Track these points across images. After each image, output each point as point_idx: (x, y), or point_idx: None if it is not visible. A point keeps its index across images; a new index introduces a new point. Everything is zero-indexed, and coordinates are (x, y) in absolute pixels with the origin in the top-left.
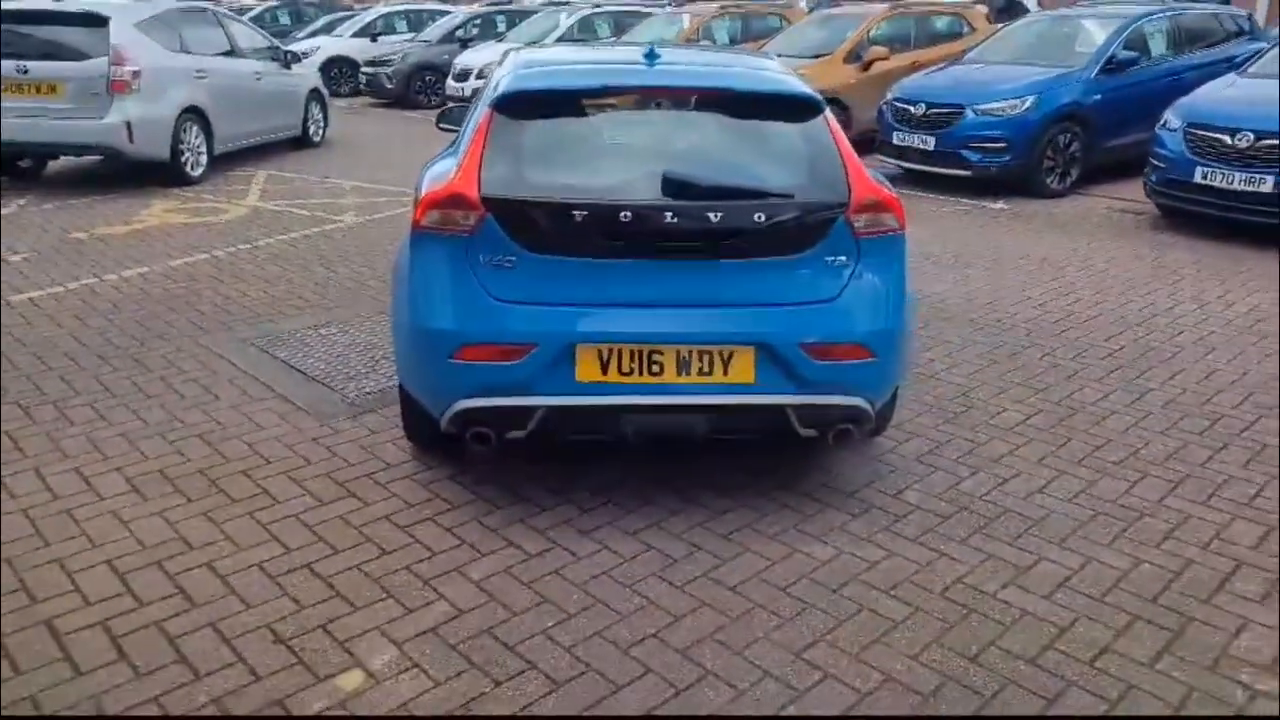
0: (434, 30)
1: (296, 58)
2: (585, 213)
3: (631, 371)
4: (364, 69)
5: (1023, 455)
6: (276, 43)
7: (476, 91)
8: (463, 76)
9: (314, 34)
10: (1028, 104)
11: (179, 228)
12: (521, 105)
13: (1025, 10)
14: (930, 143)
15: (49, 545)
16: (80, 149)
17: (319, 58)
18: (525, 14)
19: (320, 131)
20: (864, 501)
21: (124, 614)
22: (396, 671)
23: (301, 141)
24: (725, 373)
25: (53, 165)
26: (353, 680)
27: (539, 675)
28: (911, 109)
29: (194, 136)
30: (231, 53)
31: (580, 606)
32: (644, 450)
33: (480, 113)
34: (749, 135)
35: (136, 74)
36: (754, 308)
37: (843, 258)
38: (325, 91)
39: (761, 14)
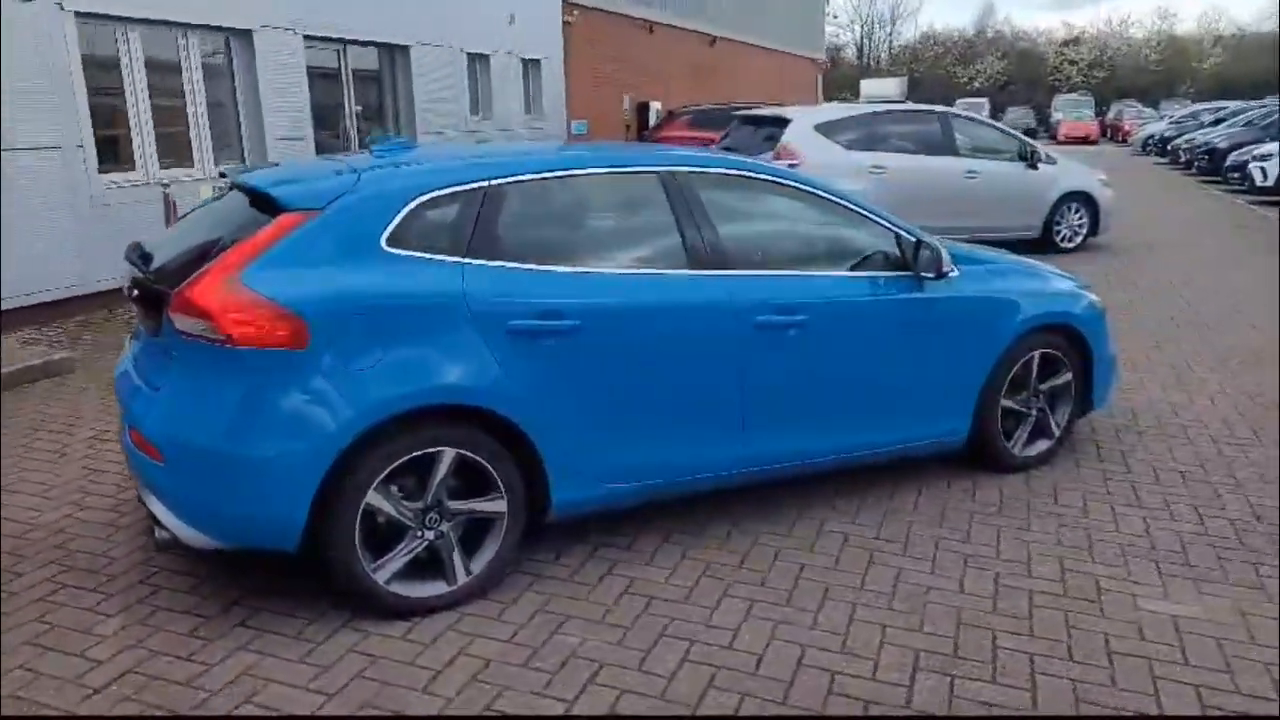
0: None
1: (1047, 159)
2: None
3: None
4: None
5: None
6: (1029, 143)
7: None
8: (1264, 157)
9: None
10: None
11: None
12: None
13: None
14: None
15: None
16: None
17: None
18: None
19: (1076, 237)
20: None
21: None
22: None
23: (1043, 244)
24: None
25: None
26: None
27: None
28: None
29: None
30: (947, 152)
31: None
32: None
33: None
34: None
35: (793, 167)
36: (145, 379)
37: (175, 350)
38: (1100, 195)
39: None
